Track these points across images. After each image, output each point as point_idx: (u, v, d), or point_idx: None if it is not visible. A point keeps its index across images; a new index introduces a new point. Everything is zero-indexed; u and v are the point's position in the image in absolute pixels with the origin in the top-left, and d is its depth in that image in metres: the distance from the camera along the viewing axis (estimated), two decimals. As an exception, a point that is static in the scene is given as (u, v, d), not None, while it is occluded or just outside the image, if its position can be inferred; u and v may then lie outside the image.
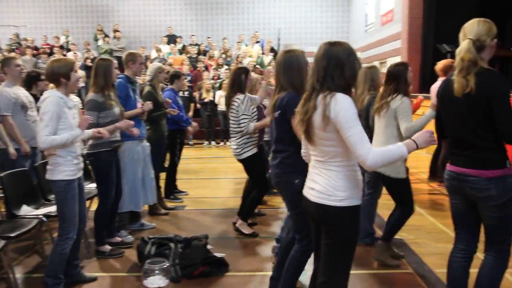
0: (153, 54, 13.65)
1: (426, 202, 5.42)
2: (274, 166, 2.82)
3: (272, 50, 13.63)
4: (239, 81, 4.21)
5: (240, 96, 4.18)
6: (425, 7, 10.37)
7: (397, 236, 3.71)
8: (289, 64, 2.72)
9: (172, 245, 3.60)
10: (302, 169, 2.51)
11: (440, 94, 2.50)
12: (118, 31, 14.35)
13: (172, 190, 5.80)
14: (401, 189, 3.49)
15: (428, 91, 6.03)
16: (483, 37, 2.28)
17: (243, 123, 4.12)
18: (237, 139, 4.23)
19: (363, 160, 1.90)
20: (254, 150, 4.23)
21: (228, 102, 4.26)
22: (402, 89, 3.40)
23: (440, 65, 5.43)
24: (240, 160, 4.28)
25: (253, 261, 3.76)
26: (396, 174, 3.40)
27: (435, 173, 6.23)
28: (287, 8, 16.52)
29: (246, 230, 4.39)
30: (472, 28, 2.31)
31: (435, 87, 5.46)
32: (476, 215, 2.44)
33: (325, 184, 2.08)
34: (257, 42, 14.05)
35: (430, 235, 4.20)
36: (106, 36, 14.37)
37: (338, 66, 2.00)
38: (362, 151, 1.90)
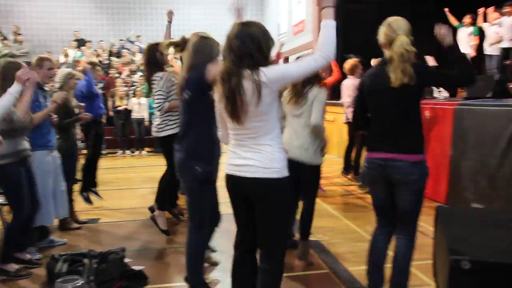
0: (61, 59, 12.90)
1: (340, 205, 5.69)
2: (178, 150, 2.84)
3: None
4: (154, 58, 4.13)
5: (159, 74, 4.09)
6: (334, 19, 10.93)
7: (313, 238, 3.86)
8: (202, 48, 2.78)
9: (86, 261, 3.41)
10: (206, 156, 2.68)
11: (368, 85, 2.65)
12: (19, 34, 13.34)
13: (88, 185, 5.60)
14: (316, 176, 3.57)
15: (338, 97, 6.68)
16: (409, 34, 2.52)
17: (158, 100, 4.02)
18: (161, 115, 4.14)
19: (324, 56, 2.03)
20: (175, 130, 4.03)
21: (149, 83, 4.18)
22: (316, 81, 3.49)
23: (347, 65, 6.19)
24: (159, 138, 4.20)
25: (173, 272, 3.68)
26: (316, 160, 3.48)
27: (348, 167, 6.66)
28: (201, 15, 16.49)
29: (162, 224, 4.25)
30: (399, 25, 2.53)
31: (347, 83, 6.28)
32: (393, 201, 2.64)
33: (262, 158, 2.15)
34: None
35: (344, 236, 4.41)
36: (5, 38, 13.30)
37: (254, 44, 2.08)
38: (314, 61, 2.04)
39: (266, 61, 2.12)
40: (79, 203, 5.37)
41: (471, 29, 7.81)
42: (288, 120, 3.63)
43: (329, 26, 2.07)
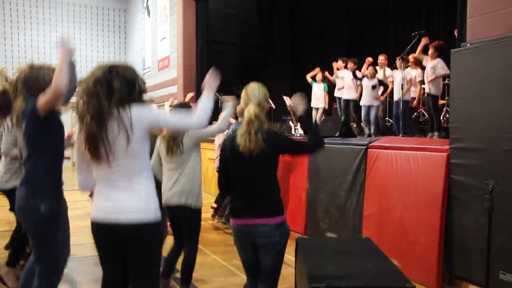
0: None
1: (208, 240, 5.75)
2: (19, 185, 2.65)
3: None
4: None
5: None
6: (197, 57, 11.31)
7: (178, 275, 3.83)
8: (35, 78, 2.69)
9: None
10: (52, 192, 2.54)
11: (228, 150, 2.67)
12: None
13: None
14: (199, 221, 3.59)
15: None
16: (263, 102, 2.63)
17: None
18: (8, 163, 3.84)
19: (196, 123, 2.20)
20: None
21: None
22: None
23: (239, 108, 6.11)
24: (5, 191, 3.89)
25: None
26: (199, 204, 3.50)
27: (216, 210, 6.75)
28: (59, 43, 15.58)
29: (12, 283, 3.82)
30: (254, 93, 2.63)
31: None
32: (258, 261, 2.70)
33: (137, 199, 2.08)
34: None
35: (212, 271, 4.47)
36: None
37: (125, 83, 2.09)
38: (188, 120, 2.19)
39: (137, 100, 2.12)
40: None
41: (321, 85, 8.84)
42: (165, 168, 3.61)
43: (210, 98, 2.32)
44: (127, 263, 2.18)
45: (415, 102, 6.96)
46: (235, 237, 2.73)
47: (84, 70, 16.06)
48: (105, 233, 2.15)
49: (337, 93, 8.44)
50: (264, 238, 2.58)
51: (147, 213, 2.09)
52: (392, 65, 7.30)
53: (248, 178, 2.62)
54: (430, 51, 6.11)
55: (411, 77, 6.87)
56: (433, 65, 6.05)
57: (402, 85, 6.44)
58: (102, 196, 2.14)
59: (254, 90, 2.65)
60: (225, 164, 2.69)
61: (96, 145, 2.04)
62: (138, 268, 2.17)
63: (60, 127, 2.74)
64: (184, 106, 3.72)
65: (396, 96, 6.92)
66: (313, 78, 9.00)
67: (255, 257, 2.70)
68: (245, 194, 2.63)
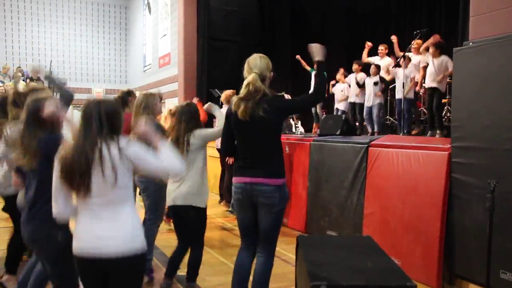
0: None
1: (208, 238, 5.72)
2: (26, 221, 2.54)
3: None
4: None
5: None
6: (198, 54, 11.30)
7: (181, 273, 3.83)
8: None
9: None
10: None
11: (234, 116, 2.79)
12: None
13: None
14: (204, 220, 3.64)
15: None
16: (265, 71, 2.76)
17: None
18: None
19: (168, 166, 2.11)
20: None
21: None
22: (194, 126, 3.56)
23: (223, 96, 6.51)
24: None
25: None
26: (204, 203, 3.54)
27: (222, 196, 6.89)
28: (59, 40, 15.57)
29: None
30: (255, 63, 2.77)
31: (223, 112, 6.25)
32: (257, 223, 2.81)
33: (122, 230, 2.03)
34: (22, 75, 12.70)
35: (212, 269, 4.47)
36: None
37: (108, 122, 2.05)
38: (171, 163, 2.10)
39: (119, 131, 2.10)
40: None
41: None
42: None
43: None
44: None
45: (417, 87, 6.89)
46: (235, 195, 2.84)
47: (85, 66, 16.09)
48: (88, 266, 2.08)
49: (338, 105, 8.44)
50: (264, 197, 2.70)
51: (133, 242, 2.03)
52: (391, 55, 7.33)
53: (251, 141, 2.75)
54: (431, 50, 6.07)
55: (414, 75, 6.82)
56: (439, 63, 5.98)
57: (403, 83, 6.42)
58: (84, 227, 2.07)
59: (255, 61, 2.80)
60: (229, 128, 2.84)
61: (81, 176, 1.99)
62: None
63: None
64: (190, 106, 3.65)
65: (399, 94, 6.91)
66: (312, 66, 9.04)
67: (253, 217, 2.80)
68: (249, 155, 2.76)
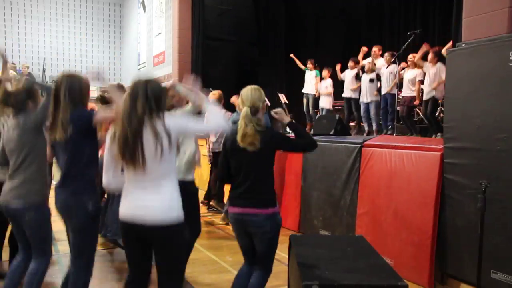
0: None
1: (201, 237, 5.73)
2: (60, 191, 2.70)
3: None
4: None
5: None
6: (193, 53, 11.28)
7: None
8: (73, 86, 2.75)
9: None
10: (95, 191, 2.69)
11: (229, 144, 2.86)
12: None
13: None
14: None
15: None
16: (257, 103, 2.81)
17: None
18: None
19: (215, 128, 2.45)
20: None
21: None
22: None
23: (211, 96, 6.19)
24: None
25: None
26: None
27: (210, 191, 6.86)
28: (53, 37, 15.50)
29: None
30: (247, 96, 2.82)
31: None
32: (253, 246, 2.90)
33: (164, 201, 2.23)
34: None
35: (205, 267, 4.47)
36: None
37: (158, 95, 2.27)
38: (213, 125, 2.39)
39: (162, 112, 2.27)
40: None
41: (314, 72, 8.87)
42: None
43: (211, 104, 2.53)
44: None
45: (416, 101, 6.92)
46: (232, 224, 2.95)
47: (79, 64, 15.99)
48: (132, 232, 2.29)
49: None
50: (255, 227, 2.78)
51: (170, 212, 2.24)
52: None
53: (245, 170, 2.80)
54: (430, 56, 6.10)
55: (399, 74, 6.86)
56: (435, 71, 6.04)
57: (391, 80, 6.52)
58: (130, 196, 2.29)
59: (246, 94, 2.86)
60: (226, 156, 2.90)
61: (131, 152, 2.18)
62: (163, 265, 2.32)
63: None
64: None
65: (383, 90, 6.98)
66: (306, 65, 9.09)
67: (250, 242, 2.89)
68: (242, 185, 2.81)
